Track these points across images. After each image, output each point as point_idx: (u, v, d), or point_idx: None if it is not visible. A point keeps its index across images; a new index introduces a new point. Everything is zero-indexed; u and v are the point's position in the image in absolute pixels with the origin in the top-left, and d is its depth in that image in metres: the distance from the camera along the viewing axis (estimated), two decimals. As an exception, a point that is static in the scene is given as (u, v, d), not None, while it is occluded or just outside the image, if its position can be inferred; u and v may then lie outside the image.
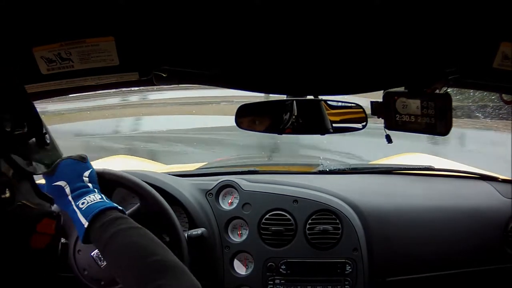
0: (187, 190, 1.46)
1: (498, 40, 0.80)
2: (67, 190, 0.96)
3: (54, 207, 0.90)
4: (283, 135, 1.21)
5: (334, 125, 1.20)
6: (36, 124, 0.77)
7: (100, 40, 0.80)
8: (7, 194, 0.68)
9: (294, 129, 1.17)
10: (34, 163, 0.78)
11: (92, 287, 1.17)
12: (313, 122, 1.16)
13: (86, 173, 1.00)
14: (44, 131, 0.81)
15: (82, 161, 1.01)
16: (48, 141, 0.83)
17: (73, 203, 0.94)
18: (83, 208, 0.92)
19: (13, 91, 0.70)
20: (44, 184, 1.01)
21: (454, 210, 1.53)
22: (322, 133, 1.20)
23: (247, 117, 1.19)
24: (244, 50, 0.89)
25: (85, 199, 0.94)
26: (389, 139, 1.10)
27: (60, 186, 0.96)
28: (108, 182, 1.24)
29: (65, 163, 0.98)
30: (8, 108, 0.68)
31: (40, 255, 0.80)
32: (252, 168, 1.76)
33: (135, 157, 2.64)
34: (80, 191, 0.96)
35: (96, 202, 0.94)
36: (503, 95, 0.98)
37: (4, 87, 0.68)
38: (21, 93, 0.73)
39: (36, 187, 0.78)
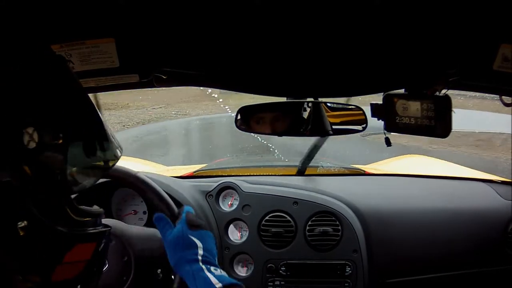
0: (187, 191, 1.46)
1: (498, 42, 0.80)
2: (200, 251, 0.98)
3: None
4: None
5: (334, 127, 1.21)
6: (81, 130, 0.63)
7: (100, 41, 0.80)
8: (24, 223, 0.56)
9: (294, 131, 1.17)
10: (72, 178, 0.62)
11: None
12: (313, 124, 1.16)
13: (215, 249, 1.04)
14: (96, 134, 0.66)
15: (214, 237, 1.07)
16: (97, 147, 0.67)
17: (202, 266, 0.96)
18: (215, 273, 0.94)
19: (35, 95, 0.57)
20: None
21: (454, 212, 1.53)
22: (322, 135, 1.20)
23: (247, 118, 1.19)
24: (244, 52, 0.89)
25: (216, 268, 0.96)
26: (388, 142, 1.11)
27: (195, 243, 1.00)
28: (113, 180, 1.24)
29: (207, 233, 1.04)
30: (32, 119, 0.56)
31: None
32: (252, 170, 1.76)
33: (135, 158, 2.64)
34: (211, 259, 0.99)
35: (226, 276, 0.95)
36: (503, 97, 0.98)
37: (18, 92, 0.56)
38: (54, 96, 0.60)
39: (72, 203, 0.65)
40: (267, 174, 1.75)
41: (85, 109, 0.63)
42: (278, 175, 1.75)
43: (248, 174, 1.70)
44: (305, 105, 1.14)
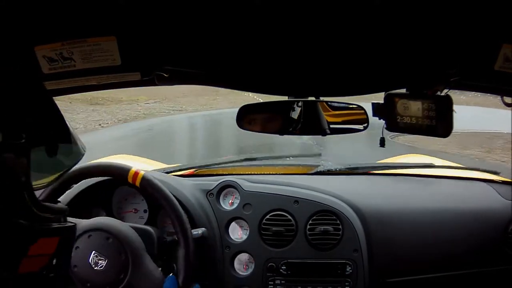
0: (188, 190, 1.46)
1: (499, 42, 0.80)
2: None
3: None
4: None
5: (335, 126, 1.21)
6: (44, 130, 0.66)
7: (102, 39, 0.80)
8: None
9: (295, 130, 1.17)
10: (34, 176, 0.65)
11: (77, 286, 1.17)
12: (315, 123, 1.16)
13: None
14: (59, 134, 0.69)
15: None
16: (59, 147, 0.69)
17: None
18: None
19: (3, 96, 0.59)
20: None
21: (455, 211, 1.53)
22: (324, 134, 1.20)
23: (248, 117, 1.19)
24: (246, 51, 0.89)
25: None
26: (382, 143, 1.11)
27: None
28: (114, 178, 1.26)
29: None
30: None
31: (31, 280, 0.68)
32: (252, 169, 1.76)
33: (136, 156, 2.64)
34: None
35: None
36: (504, 97, 0.98)
37: None
38: (18, 97, 0.62)
39: (35, 199, 0.67)
40: (268, 173, 1.75)
41: (48, 110, 0.65)
42: (279, 174, 1.75)
43: (249, 173, 1.70)
44: (294, 105, 1.15)
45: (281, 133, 1.19)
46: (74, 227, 0.73)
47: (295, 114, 1.15)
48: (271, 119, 1.19)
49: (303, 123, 1.15)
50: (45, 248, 0.68)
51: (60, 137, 0.68)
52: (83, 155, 0.73)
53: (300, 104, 1.13)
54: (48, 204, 0.69)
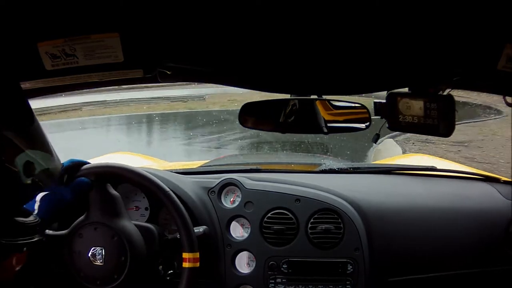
0: (189, 187, 1.46)
1: (502, 42, 0.80)
2: None
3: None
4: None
5: (336, 124, 1.21)
6: (24, 147, 0.65)
7: (105, 36, 0.80)
8: None
9: (298, 128, 1.18)
10: (20, 191, 0.66)
11: (88, 286, 1.17)
12: (311, 121, 1.17)
13: None
14: (40, 149, 0.69)
15: None
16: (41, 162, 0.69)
17: None
18: None
19: None
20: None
21: (456, 211, 1.53)
22: (323, 132, 1.21)
23: (250, 115, 1.20)
24: (249, 49, 0.89)
25: None
26: (375, 139, 1.11)
27: None
28: (113, 177, 1.26)
29: None
30: None
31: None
32: (254, 167, 1.76)
33: (137, 154, 2.65)
34: None
35: None
36: (506, 97, 0.98)
37: None
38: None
39: (10, 217, 0.68)
40: (270, 170, 1.75)
41: (30, 128, 0.67)
42: (281, 172, 1.75)
43: (251, 171, 1.70)
44: (295, 103, 1.15)
45: (283, 131, 1.20)
46: (41, 240, 0.75)
47: (294, 112, 1.15)
48: (273, 117, 1.20)
49: (301, 121, 1.16)
50: (16, 261, 0.70)
51: (41, 153, 0.69)
52: (60, 170, 0.75)
53: (295, 102, 1.14)
54: (22, 220, 0.70)
